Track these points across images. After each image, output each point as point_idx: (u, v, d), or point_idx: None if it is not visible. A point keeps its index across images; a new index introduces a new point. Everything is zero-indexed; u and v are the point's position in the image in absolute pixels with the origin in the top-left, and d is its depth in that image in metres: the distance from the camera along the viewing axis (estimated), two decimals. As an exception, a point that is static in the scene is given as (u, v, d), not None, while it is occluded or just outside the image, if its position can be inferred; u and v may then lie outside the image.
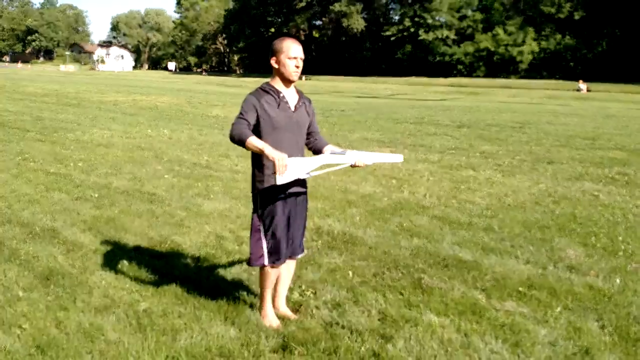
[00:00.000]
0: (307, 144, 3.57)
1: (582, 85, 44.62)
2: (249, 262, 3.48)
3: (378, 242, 5.24)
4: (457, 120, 16.55)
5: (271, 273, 3.47)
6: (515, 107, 24.74)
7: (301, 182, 3.44)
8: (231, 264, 4.58)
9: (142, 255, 4.74)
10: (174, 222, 5.77)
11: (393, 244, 5.17)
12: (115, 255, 4.72)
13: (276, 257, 3.39)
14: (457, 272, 4.49)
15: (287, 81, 3.35)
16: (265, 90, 3.33)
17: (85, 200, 6.54)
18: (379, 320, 3.63)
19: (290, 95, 3.39)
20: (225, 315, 3.62)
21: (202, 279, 4.22)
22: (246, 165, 9.22)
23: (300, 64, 3.32)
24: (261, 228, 3.39)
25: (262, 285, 3.56)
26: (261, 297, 3.61)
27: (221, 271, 4.43)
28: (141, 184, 7.46)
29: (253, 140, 3.12)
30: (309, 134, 3.54)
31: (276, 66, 3.32)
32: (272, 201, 3.36)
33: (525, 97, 37.97)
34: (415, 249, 5.04)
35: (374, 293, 4.03)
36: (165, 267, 4.47)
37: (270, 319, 3.55)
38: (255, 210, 3.43)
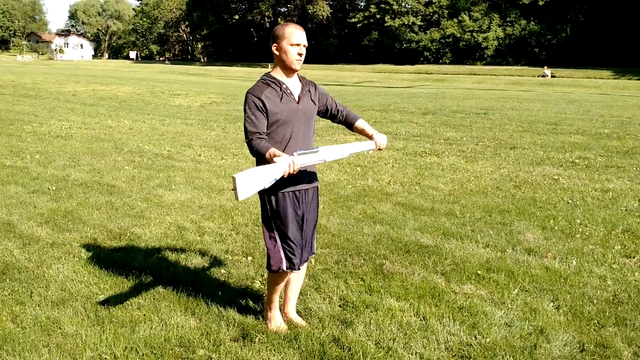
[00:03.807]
0: (339, 123, 3.40)
1: (547, 71, 45.43)
2: (268, 267, 3.20)
3: (341, 229, 5.25)
4: (422, 107, 16.67)
5: (283, 277, 3.27)
6: (480, 93, 25.04)
7: (310, 176, 3.23)
8: (192, 254, 4.54)
9: (101, 248, 4.67)
10: (134, 213, 5.68)
11: (356, 231, 5.20)
12: (72, 248, 4.64)
13: (293, 261, 3.17)
14: (418, 257, 4.53)
15: (289, 70, 3.11)
16: (266, 82, 3.10)
17: (42, 193, 6.39)
18: (339, 306, 3.65)
19: (293, 85, 3.16)
20: (186, 305, 3.60)
21: (162, 270, 4.17)
22: (209, 155, 9.14)
23: (304, 52, 3.08)
24: (275, 232, 3.16)
25: (270, 289, 3.33)
26: (269, 300, 3.37)
27: (182, 262, 4.38)
28: (100, 176, 7.33)
29: (272, 151, 2.92)
30: (333, 115, 3.37)
31: (277, 53, 3.08)
32: (282, 200, 3.12)
33: (490, 83, 38.53)
34: (378, 236, 5.07)
35: (336, 280, 4.05)
36: (125, 259, 4.40)
37: (278, 323, 3.35)
38: (263, 210, 3.19)
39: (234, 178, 2.67)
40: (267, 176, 2.79)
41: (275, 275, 3.24)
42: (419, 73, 52.23)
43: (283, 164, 2.81)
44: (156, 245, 4.78)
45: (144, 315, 3.47)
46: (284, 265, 3.16)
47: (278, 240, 3.16)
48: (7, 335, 3.21)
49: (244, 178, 2.70)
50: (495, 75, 47.89)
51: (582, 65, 52.11)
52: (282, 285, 3.33)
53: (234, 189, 2.69)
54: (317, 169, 3.39)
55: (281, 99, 3.07)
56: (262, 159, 2.98)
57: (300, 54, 3.08)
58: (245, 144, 3.07)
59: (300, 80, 3.23)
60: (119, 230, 5.13)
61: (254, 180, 2.75)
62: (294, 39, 3.05)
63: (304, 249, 3.25)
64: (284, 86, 3.11)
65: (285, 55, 3.07)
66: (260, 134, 3.01)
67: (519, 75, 47.55)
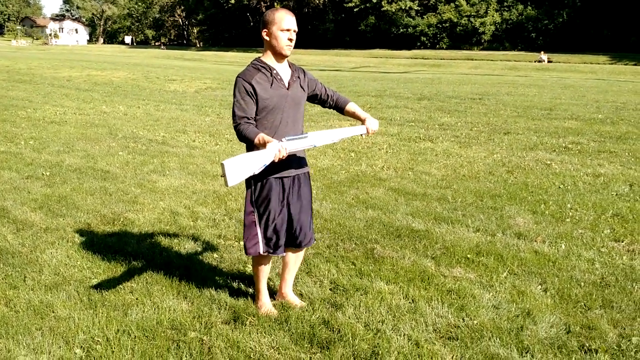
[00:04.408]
0: (330, 108, 3.42)
1: (544, 56, 45.33)
2: (245, 251, 3.25)
3: (333, 214, 5.29)
4: (418, 93, 16.64)
5: (264, 262, 3.30)
6: (477, 78, 25.00)
7: (299, 162, 3.23)
8: (185, 239, 4.57)
9: (94, 233, 4.70)
10: (128, 199, 5.70)
11: (348, 216, 5.23)
12: (66, 233, 4.67)
13: (272, 246, 3.20)
14: (409, 241, 4.58)
15: (279, 56, 3.10)
16: (257, 67, 3.09)
17: (36, 179, 6.40)
18: (330, 289, 3.70)
19: (283, 71, 3.15)
20: (178, 289, 3.64)
21: (155, 255, 4.21)
22: (203, 140, 9.16)
23: (294, 37, 3.07)
24: (255, 215, 3.18)
25: (256, 276, 3.37)
26: (256, 289, 3.43)
27: (175, 247, 4.42)
28: (94, 161, 7.34)
29: (261, 137, 2.92)
30: (323, 101, 3.37)
31: (267, 39, 3.07)
32: (267, 186, 3.14)
33: (487, 68, 38.44)
34: (370, 220, 5.11)
35: (327, 264, 4.09)
36: (118, 244, 4.43)
37: (268, 308, 3.38)
38: (247, 194, 3.20)
39: (222, 164, 2.69)
40: (256, 162, 2.81)
41: (257, 260, 3.30)
42: (415, 58, 52.04)
43: (273, 150, 2.83)
44: (149, 230, 4.81)
45: (137, 298, 3.51)
46: (261, 249, 3.20)
47: (257, 225, 3.19)
48: (1, 319, 3.25)
49: (233, 164, 2.72)
50: (492, 60, 47.73)
51: (578, 51, 51.96)
52: (266, 270, 3.36)
53: (224, 175, 2.70)
54: (311, 154, 3.41)
55: (271, 85, 3.07)
56: (251, 144, 3.00)
57: (290, 39, 3.07)
58: (233, 129, 3.07)
59: (290, 66, 3.23)
60: (112, 216, 5.16)
61: (244, 166, 2.76)
62: (284, 24, 3.04)
63: (289, 234, 3.26)
64: (275, 72, 3.11)
65: (275, 41, 3.06)
66: (249, 119, 3.03)
67: (515, 60, 47.40)
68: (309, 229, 3.36)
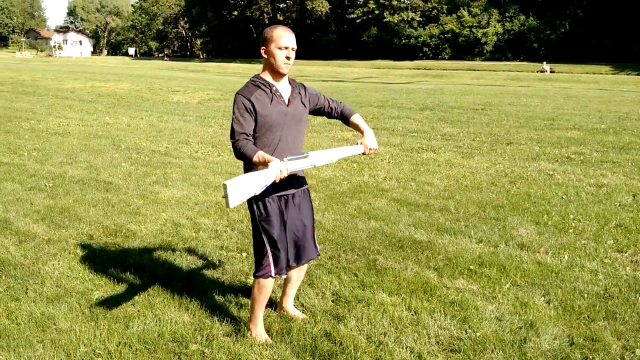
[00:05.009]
0: (335, 119, 3.38)
1: (546, 67, 45.51)
2: (256, 274, 3.16)
3: (336, 225, 5.28)
4: (420, 103, 16.67)
5: (267, 286, 3.18)
6: (479, 89, 25.03)
7: (298, 180, 3.21)
8: (187, 251, 4.57)
9: (97, 245, 4.70)
10: (130, 210, 5.71)
11: (350, 227, 5.23)
12: (68, 245, 4.67)
13: (280, 267, 3.13)
14: (412, 252, 4.57)
15: (277, 74, 3.05)
16: (256, 84, 3.05)
17: (39, 190, 6.42)
18: (332, 301, 3.69)
19: (283, 88, 3.11)
20: (180, 301, 3.63)
21: (157, 267, 4.21)
22: (206, 151, 9.18)
23: (292, 55, 3.02)
24: (263, 236, 3.12)
25: (255, 299, 3.22)
26: (252, 316, 3.27)
27: (177, 258, 4.41)
28: (97, 173, 7.36)
29: (261, 155, 2.89)
30: (328, 113, 3.34)
31: (265, 56, 3.04)
32: (267, 206, 3.09)
33: (489, 79, 38.55)
34: (372, 231, 5.10)
35: (329, 275, 4.08)
36: (120, 255, 4.43)
37: (264, 338, 3.22)
38: (252, 216, 3.16)
39: (225, 185, 2.65)
40: (258, 182, 2.78)
41: (262, 284, 3.17)
42: (418, 69, 52.25)
43: (274, 170, 2.81)
44: (151, 241, 4.81)
45: (138, 311, 3.50)
46: (272, 272, 3.12)
47: (267, 246, 3.12)
48: (2, 331, 3.25)
49: (235, 185, 2.68)
50: (494, 70, 47.90)
51: (581, 61, 52.16)
52: (266, 296, 3.23)
53: (225, 197, 2.66)
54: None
55: (271, 101, 3.04)
56: (249, 162, 2.97)
57: (288, 57, 3.02)
58: (232, 145, 3.03)
59: (289, 83, 3.19)
60: (114, 227, 5.16)
61: (245, 186, 2.73)
62: (281, 42, 2.99)
63: (290, 253, 3.20)
64: (274, 88, 3.07)
65: (273, 59, 3.02)
66: (247, 135, 2.98)
67: (517, 70, 47.57)
68: (312, 244, 3.31)
